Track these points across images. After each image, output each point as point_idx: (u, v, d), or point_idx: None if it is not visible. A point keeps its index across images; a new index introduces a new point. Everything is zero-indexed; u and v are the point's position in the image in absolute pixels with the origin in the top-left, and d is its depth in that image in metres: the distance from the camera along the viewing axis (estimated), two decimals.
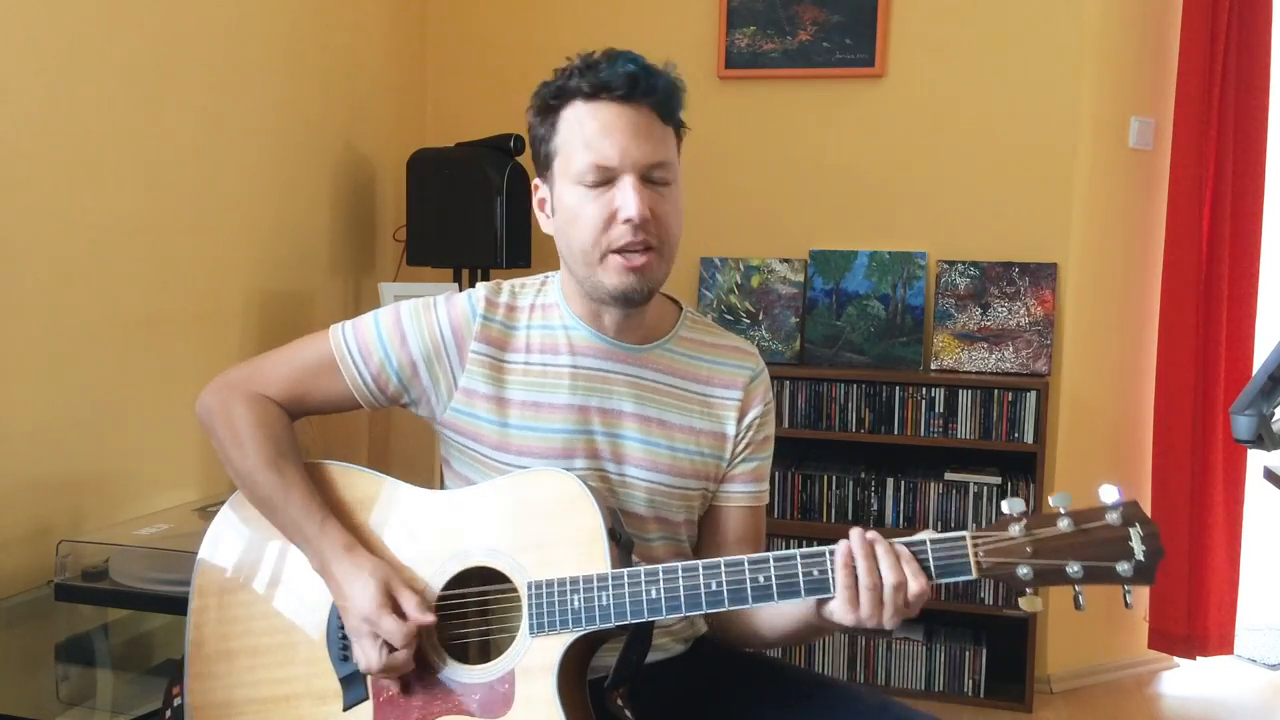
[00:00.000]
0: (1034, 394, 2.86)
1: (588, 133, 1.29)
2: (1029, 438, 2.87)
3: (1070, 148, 3.01)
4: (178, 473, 2.41)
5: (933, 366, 3.06)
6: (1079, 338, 3.06)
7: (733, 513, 1.45)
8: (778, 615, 1.31)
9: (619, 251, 1.29)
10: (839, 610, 1.17)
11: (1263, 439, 1.30)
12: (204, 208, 2.47)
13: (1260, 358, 2.85)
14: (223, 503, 1.43)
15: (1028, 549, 1.14)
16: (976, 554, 1.15)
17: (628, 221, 1.28)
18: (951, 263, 3.08)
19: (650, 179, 1.30)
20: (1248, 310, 3.05)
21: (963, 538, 1.16)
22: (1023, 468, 2.94)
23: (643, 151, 1.29)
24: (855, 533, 1.18)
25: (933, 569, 1.16)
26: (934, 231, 3.12)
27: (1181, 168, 3.02)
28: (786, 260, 3.18)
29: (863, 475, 2.99)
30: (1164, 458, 3.10)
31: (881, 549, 1.16)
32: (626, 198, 1.27)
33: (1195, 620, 3.07)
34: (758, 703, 1.39)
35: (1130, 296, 3.15)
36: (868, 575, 1.16)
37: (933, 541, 1.17)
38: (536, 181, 1.39)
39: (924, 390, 2.94)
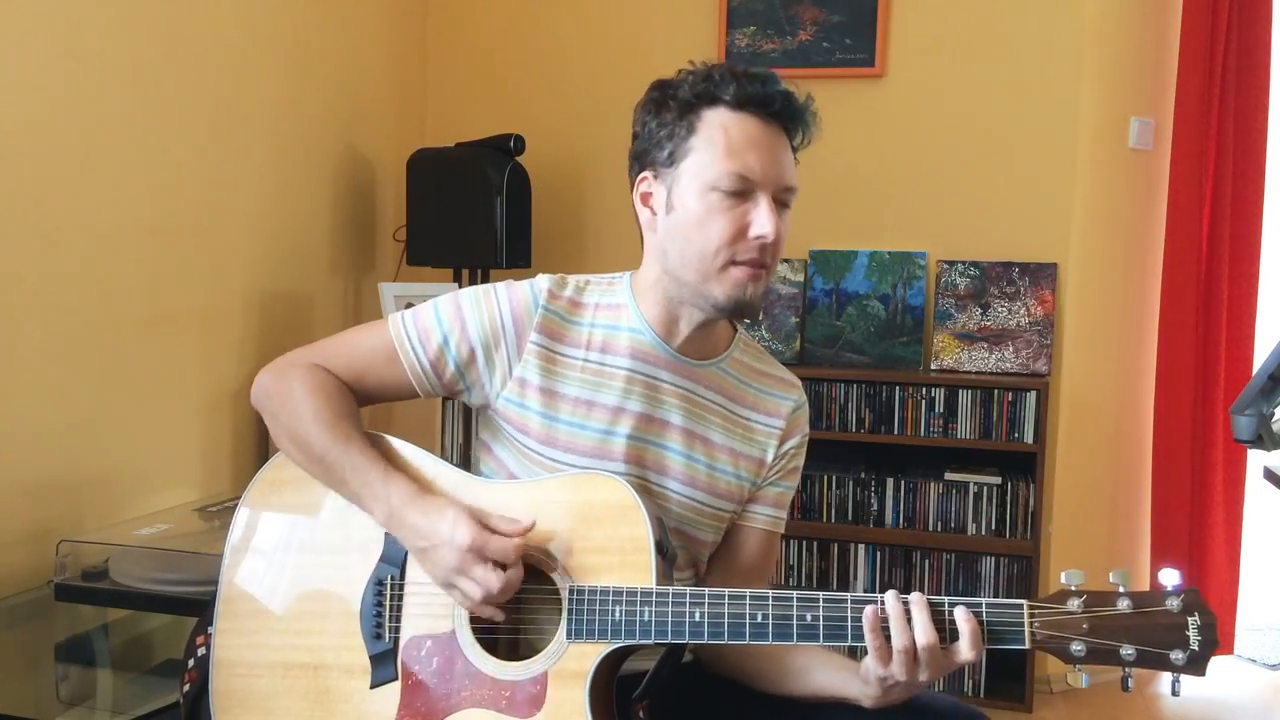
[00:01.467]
0: (1034, 394, 2.86)
1: (733, 140, 1.28)
2: (1029, 438, 2.87)
3: (1070, 148, 3.01)
4: (178, 473, 2.41)
5: (933, 366, 3.06)
6: (1079, 338, 3.06)
7: (750, 534, 1.44)
8: (808, 665, 1.30)
9: (739, 264, 1.30)
10: (871, 663, 1.17)
11: (1263, 439, 1.30)
12: (204, 208, 2.47)
13: (1260, 358, 2.85)
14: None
15: (1084, 626, 1.13)
16: (1032, 625, 1.15)
17: (759, 239, 1.28)
18: (951, 263, 3.08)
19: (779, 201, 1.32)
20: (1248, 310, 3.05)
21: (1020, 606, 1.15)
22: (1023, 468, 2.94)
23: (780, 172, 1.31)
24: (889, 595, 1.17)
25: (985, 634, 1.15)
26: (934, 231, 3.12)
27: (1181, 168, 3.02)
28: (786, 260, 3.18)
29: (863, 475, 2.99)
30: (1164, 458, 3.10)
31: (917, 611, 1.15)
32: (763, 215, 1.28)
33: None
34: (768, 705, 1.38)
35: (1130, 296, 3.15)
36: (899, 637, 1.15)
37: (989, 605, 1.16)
38: (645, 175, 1.36)
39: (924, 390, 2.94)
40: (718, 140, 1.29)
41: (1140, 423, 3.17)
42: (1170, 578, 1.13)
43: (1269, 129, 3.02)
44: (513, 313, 1.37)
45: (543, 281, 1.39)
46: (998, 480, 2.91)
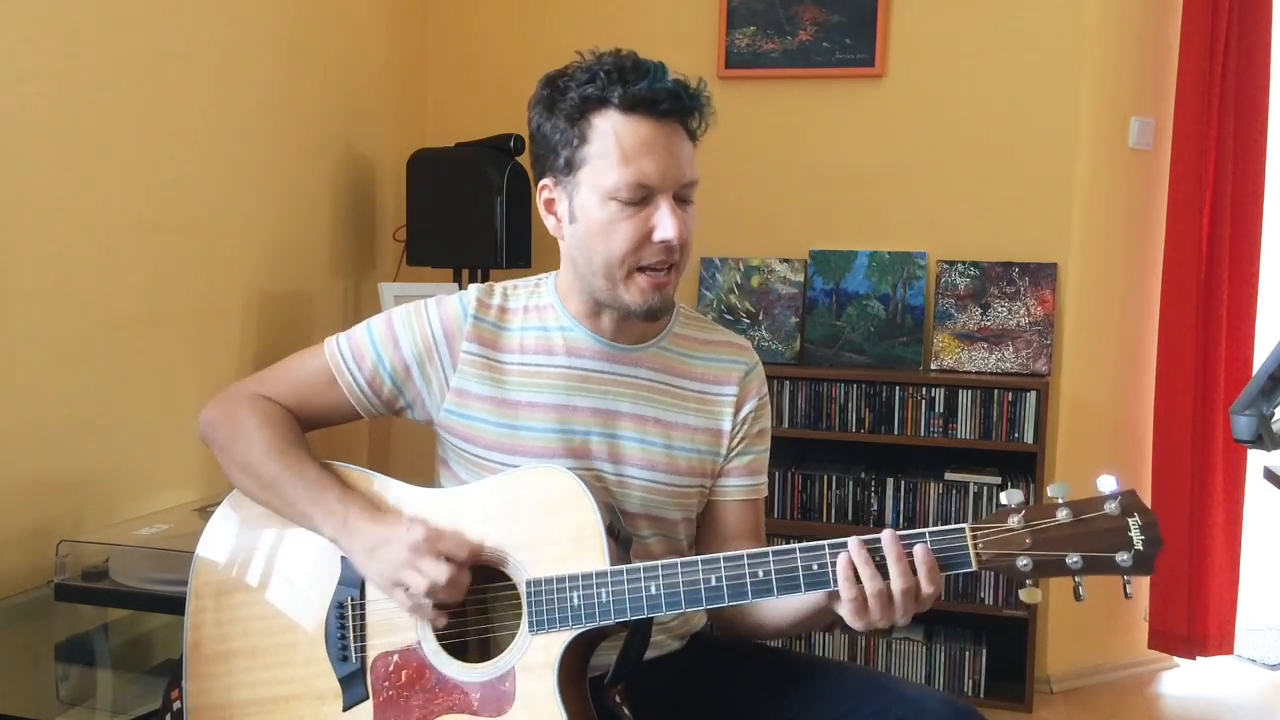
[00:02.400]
0: (1034, 394, 2.86)
1: (626, 147, 1.27)
2: (1029, 438, 2.87)
3: (1070, 148, 3.01)
4: (178, 473, 2.41)
5: (933, 366, 3.06)
6: (1079, 338, 3.06)
7: (731, 507, 1.45)
8: (785, 606, 1.31)
9: (646, 270, 1.30)
10: (848, 617, 1.18)
11: (1263, 439, 1.30)
12: (204, 208, 2.47)
13: (1260, 358, 2.85)
14: (219, 506, 1.43)
15: (1027, 540, 1.14)
16: (976, 546, 1.16)
17: (664, 242, 1.28)
18: (951, 263, 3.08)
19: (680, 198, 1.31)
20: (1248, 310, 3.05)
21: (962, 530, 1.17)
22: (1023, 468, 2.94)
23: (680, 171, 1.29)
24: (854, 541, 1.17)
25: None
26: (934, 231, 3.12)
27: (1181, 168, 3.02)
28: (786, 260, 3.18)
29: (863, 475, 2.99)
30: (1164, 458, 3.09)
31: (892, 554, 1.16)
32: (665, 220, 1.28)
33: (1195, 620, 3.07)
34: (754, 693, 1.39)
35: (1130, 296, 3.15)
36: (871, 582, 1.16)
37: (932, 534, 1.17)
38: (546, 182, 1.36)
39: (924, 390, 2.94)
40: (611, 149, 1.27)
41: (1140, 423, 3.17)
42: (1107, 483, 1.14)
43: (1269, 129, 3.02)
44: (443, 325, 1.38)
45: (471, 292, 1.41)
46: (998, 480, 2.91)
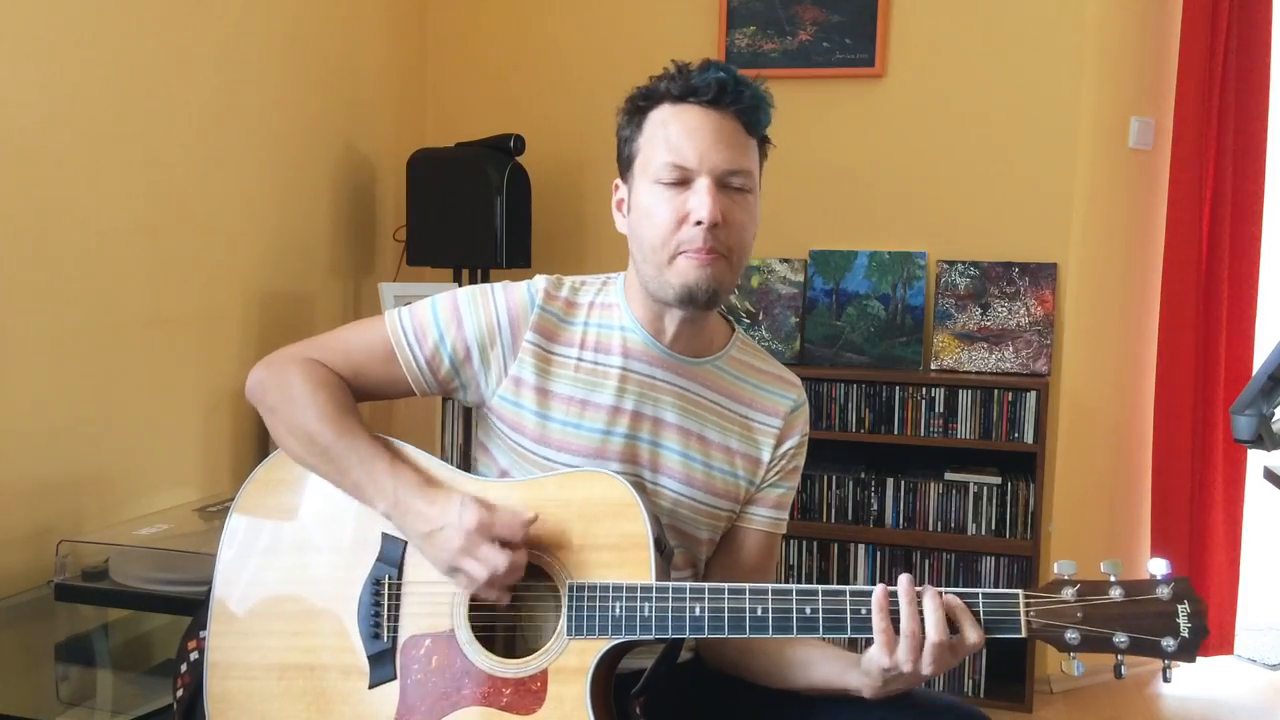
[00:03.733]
0: (1034, 394, 2.86)
1: (670, 133, 1.30)
2: (1029, 438, 2.87)
3: (1070, 148, 3.01)
4: (178, 473, 2.41)
5: (933, 366, 3.06)
6: (1079, 338, 3.06)
7: (751, 535, 1.44)
8: (808, 659, 1.31)
9: (686, 253, 1.30)
10: (876, 654, 1.18)
11: (1263, 439, 1.30)
12: (204, 208, 2.47)
13: (1260, 358, 2.85)
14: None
15: (1078, 614, 1.15)
16: (1028, 614, 1.16)
17: (699, 224, 1.28)
18: (951, 263, 3.08)
19: (728, 185, 1.30)
20: (1248, 310, 3.05)
21: (1016, 596, 1.17)
22: (1023, 468, 2.94)
23: (722, 156, 1.29)
24: (904, 578, 1.18)
25: (982, 623, 1.17)
26: (934, 231, 3.12)
27: (1181, 168, 3.02)
28: (786, 260, 3.18)
29: (863, 475, 2.99)
30: (1164, 458, 3.10)
31: (930, 601, 1.16)
32: (700, 200, 1.28)
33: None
34: (766, 704, 1.39)
35: (1130, 296, 3.15)
36: (908, 622, 1.16)
37: (985, 595, 1.17)
38: (617, 182, 1.40)
39: (924, 390, 2.94)
40: (658, 136, 1.31)
41: (1140, 423, 3.17)
42: (1159, 567, 1.15)
43: (1269, 129, 3.02)
44: (509, 312, 1.37)
45: (539, 282, 1.40)
46: (998, 480, 2.91)
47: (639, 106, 1.34)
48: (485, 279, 2.97)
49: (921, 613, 1.16)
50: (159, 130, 2.32)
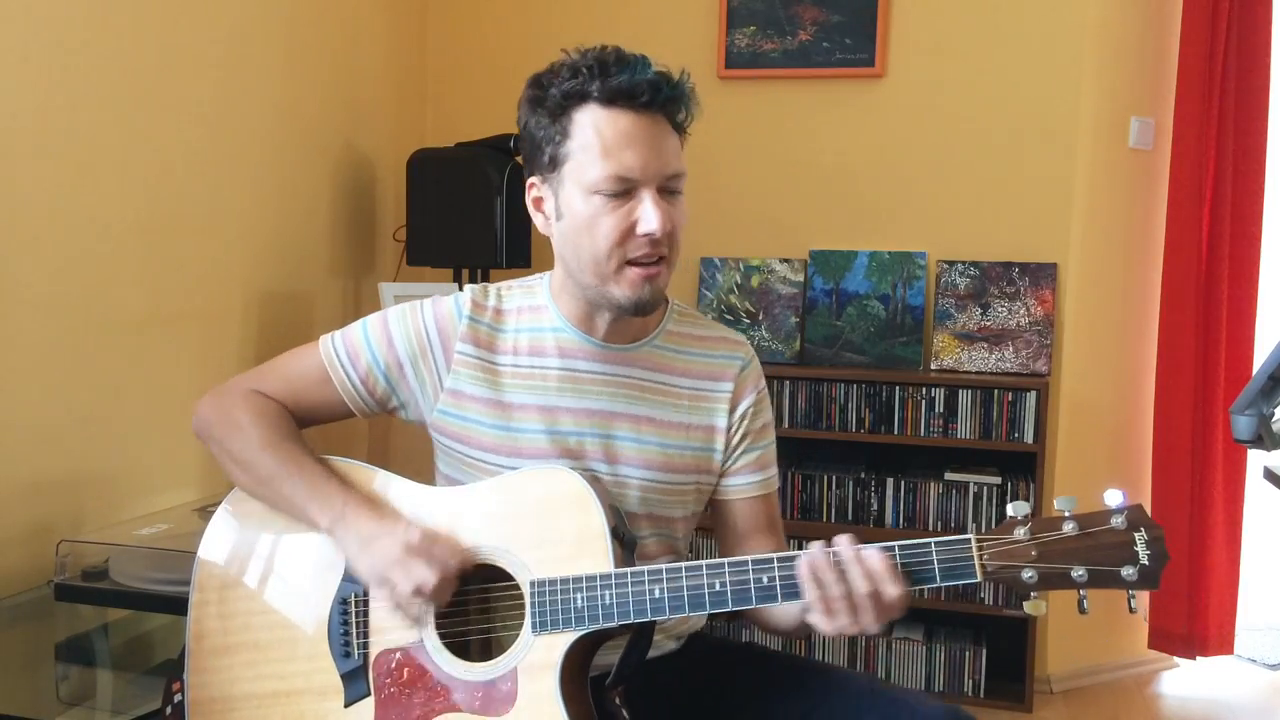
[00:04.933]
0: (1034, 394, 2.86)
1: (607, 140, 1.26)
2: (1029, 438, 2.87)
3: (1070, 148, 3.01)
4: (178, 473, 2.41)
5: (933, 366, 3.06)
6: (1079, 338, 3.06)
7: (743, 505, 1.45)
8: (784, 613, 1.31)
9: (634, 264, 1.29)
10: (819, 621, 1.18)
11: (1263, 439, 1.30)
12: (204, 208, 2.47)
13: (1260, 358, 2.85)
14: (222, 502, 1.43)
15: (1032, 553, 1.14)
16: (981, 557, 1.16)
17: (647, 235, 1.27)
18: (951, 263, 3.08)
19: (666, 189, 1.30)
20: (1248, 310, 3.05)
21: (968, 540, 1.16)
22: (1023, 468, 2.94)
23: (663, 162, 1.28)
24: (816, 546, 1.18)
25: (937, 571, 1.16)
26: (934, 231, 3.12)
27: (1181, 168, 3.02)
28: (786, 260, 3.18)
29: (863, 475, 2.99)
30: (1164, 458, 3.09)
31: (848, 558, 1.16)
32: (648, 212, 1.26)
33: (1195, 620, 3.07)
34: (752, 696, 1.39)
35: (1130, 296, 3.15)
36: (834, 586, 1.16)
37: (937, 544, 1.17)
38: (533, 180, 1.36)
39: (924, 390, 2.94)
40: (592, 142, 1.27)
41: (1140, 423, 3.17)
42: (1114, 497, 1.14)
43: (1269, 129, 3.02)
44: (437, 325, 1.38)
45: (466, 293, 1.40)
46: (998, 480, 2.91)
47: (560, 105, 1.29)
48: (485, 279, 2.97)
49: (846, 574, 1.16)
50: (159, 130, 2.32)
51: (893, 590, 1.15)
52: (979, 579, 1.16)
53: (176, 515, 2.18)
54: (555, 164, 1.31)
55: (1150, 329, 3.13)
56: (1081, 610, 1.16)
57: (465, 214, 2.91)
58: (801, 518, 3.01)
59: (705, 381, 1.43)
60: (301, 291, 2.89)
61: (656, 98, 1.27)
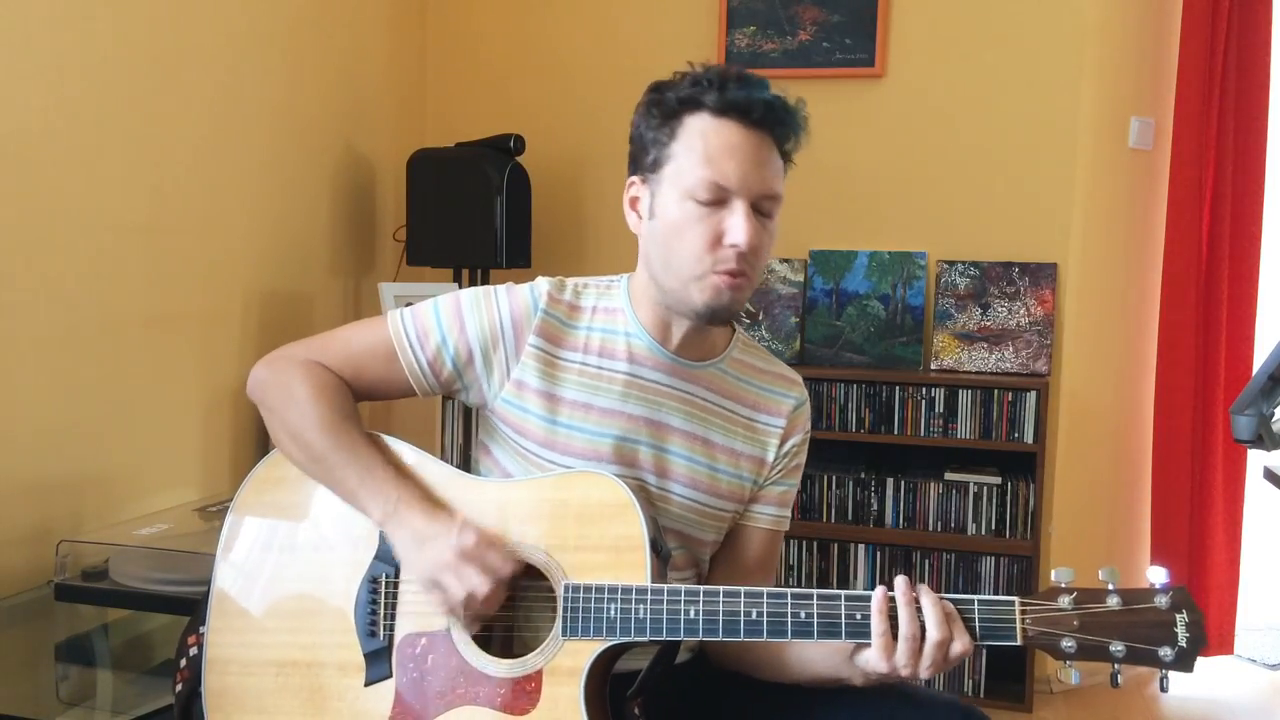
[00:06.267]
0: (1034, 394, 2.86)
1: (711, 148, 1.27)
2: (1029, 438, 2.87)
3: (1070, 148, 3.01)
4: (178, 473, 2.41)
5: (933, 366, 3.06)
6: (1079, 338, 3.06)
7: (754, 533, 1.45)
8: (807, 656, 1.30)
9: (719, 273, 1.29)
10: (874, 658, 1.17)
11: (1263, 439, 1.30)
12: (204, 208, 2.47)
13: (1260, 358, 2.85)
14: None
15: (1074, 622, 1.14)
16: (1024, 621, 1.16)
17: (734, 247, 1.27)
18: (951, 263, 3.08)
19: (759, 209, 1.30)
20: (1248, 310, 3.05)
21: (1011, 603, 1.16)
22: (1023, 468, 2.94)
23: (761, 180, 1.29)
24: (900, 580, 1.18)
25: (978, 630, 1.16)
26: (934, 231, 3.12)
27: (1181, 168, 3.02)
28: (786, 260, 3.18)
29: (863, 475, 2.99)
30: (1164, 458, 3.09)
31: (928, 602, 1.16)
32: (738, 224, 1.27)
33: None
34: (766, 706, 1.39)
35: (1130, 296, 3.15)
36: (908, 625, 1.16)
37: (981, 603, 1.17)
38: (634, 179, 1.37)
39: (924, 390, 2.94)
40: (696, 147, 1.28)
41: (1140, 423, 3.17)
42: (1158, 575, 1.14)
43: (1269, 129, 3.02)
44: (512, 315, 1.37)
45: (542, 285, 1.39)
46: (998, 480, 2.91)
47: (673, 108, 1.30)
48: (485, 279, 2.97)
49: (920, 614, 1.16)
50: (159, 130, 2.32)
51: (963, 641, 1.15)
52: (1019, 643, 1.16)
53: (176, 515, 2.19)
54: (657, 165, 1.32)
55: (1150, 329, 3.13)
56: (1114, 684, 1.16)
57: (465, 214, 2.91)
58: (802, 518, 3.01)
59: (761, 414, 1.43)
60: (302, 291, 2.89)
61: (768, 117, 1.29)
